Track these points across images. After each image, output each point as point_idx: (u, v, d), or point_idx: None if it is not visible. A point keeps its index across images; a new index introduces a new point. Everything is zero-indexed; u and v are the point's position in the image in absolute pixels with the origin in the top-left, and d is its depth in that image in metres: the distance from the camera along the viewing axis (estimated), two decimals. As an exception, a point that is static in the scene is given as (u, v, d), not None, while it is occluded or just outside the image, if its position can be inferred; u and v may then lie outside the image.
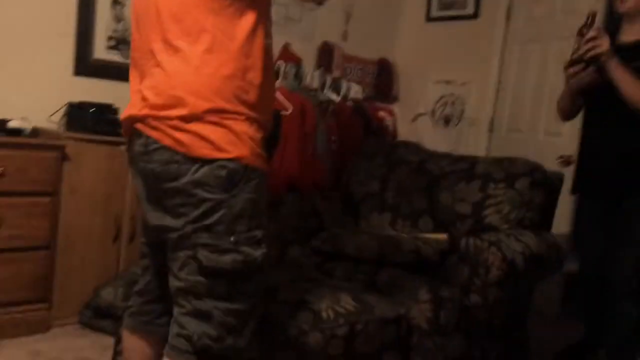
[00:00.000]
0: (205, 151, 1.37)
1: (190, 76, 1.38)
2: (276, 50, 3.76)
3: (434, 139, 3.92)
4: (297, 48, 3.82)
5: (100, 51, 3.11)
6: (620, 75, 2.14)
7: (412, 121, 4.25)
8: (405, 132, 4.17)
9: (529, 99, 3.67)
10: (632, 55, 2.18)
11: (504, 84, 3.83)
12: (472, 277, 2.09)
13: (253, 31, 1.44)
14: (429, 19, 4.27)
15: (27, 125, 2.59)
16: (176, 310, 1.45)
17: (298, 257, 2.45)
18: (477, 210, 2.44)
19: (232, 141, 1.38)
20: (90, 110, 2.78)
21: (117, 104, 2.86)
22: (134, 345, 1.67)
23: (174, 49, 1.40)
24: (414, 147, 2.87)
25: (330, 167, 3.08)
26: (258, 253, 1.42)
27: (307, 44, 3.94)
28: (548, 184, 2.46)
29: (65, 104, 2.84)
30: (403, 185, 2.71)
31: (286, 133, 2.92)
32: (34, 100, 2.81)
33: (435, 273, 2.23)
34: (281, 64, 3.25)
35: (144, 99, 1.43)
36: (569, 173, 2.63)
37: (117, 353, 1.95)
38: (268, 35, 1.51)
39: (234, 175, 1.38)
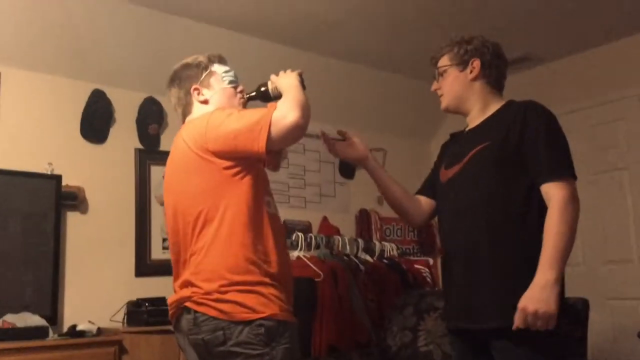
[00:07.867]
0: (244, 315, 1.68)
1: (220, 257, 1.74)
2: (315, 224, 4.12)
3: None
4: (335, 219, 4.15)
5: (157, 252, 3.56)
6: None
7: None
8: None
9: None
10: (479, 136, 1.96)
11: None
12: None
13: (257, 214, 1.79)
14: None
15: (92, 328, 2.95)
16: None
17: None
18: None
19: (264, 303, 1.70)
20: (146, 306, 3.14)
21: (168, 295, 3.20)
22: None
23: (201, 238, 1.78)
24: (441, 293, 2.98)
25: (370, 324, 3.21)
26: None
27: (345, 214, 4.27)
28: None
29: (126, 303, 3.22)
30: (432, 331, 2.80)
31: (321, 297, 3.13)
32: (100, 303, 3.21)
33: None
34: (314, 236, 3.55)
35: (189, 282, 1.77)
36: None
37: None
38: (270, 205, 1.86)
39: (271, 330, 1.68)
